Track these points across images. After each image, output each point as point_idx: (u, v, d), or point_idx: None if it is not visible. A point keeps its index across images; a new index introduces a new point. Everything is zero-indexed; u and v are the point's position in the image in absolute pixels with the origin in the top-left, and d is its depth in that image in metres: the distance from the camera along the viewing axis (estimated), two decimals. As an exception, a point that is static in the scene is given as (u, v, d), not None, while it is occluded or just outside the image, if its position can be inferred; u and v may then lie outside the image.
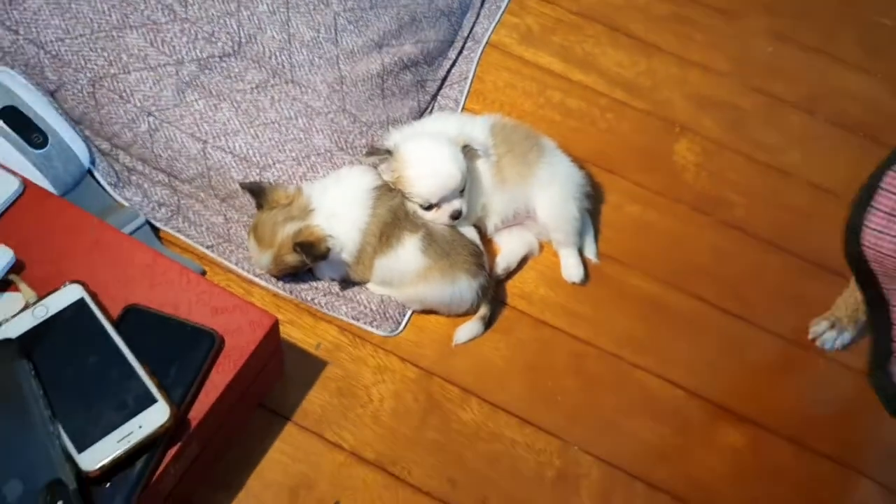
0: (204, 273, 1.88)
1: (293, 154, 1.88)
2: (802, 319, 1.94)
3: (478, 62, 2.27)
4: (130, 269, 1.56)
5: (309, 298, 1.86)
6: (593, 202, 2.02)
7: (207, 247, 1.90)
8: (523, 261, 1.97)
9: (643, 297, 1.95)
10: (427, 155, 1.77)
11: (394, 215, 1.78)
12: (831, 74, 2.37)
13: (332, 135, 1.92)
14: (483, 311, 1.86)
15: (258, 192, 1.78)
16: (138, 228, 1.86)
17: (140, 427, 1.31)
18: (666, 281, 1.98)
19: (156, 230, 1.91)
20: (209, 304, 1.56)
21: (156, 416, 1.33)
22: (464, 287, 1.81)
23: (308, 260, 1.73)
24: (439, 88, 2.21)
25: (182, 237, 1.91)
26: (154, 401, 1.35)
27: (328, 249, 1.74)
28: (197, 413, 1.43)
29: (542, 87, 2.26)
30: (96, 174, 1.88)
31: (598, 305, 1.93)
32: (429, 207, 1.78)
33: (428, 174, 1.75)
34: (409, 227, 1.79)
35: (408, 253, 1.79)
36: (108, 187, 1.89)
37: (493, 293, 1.86)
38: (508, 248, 1.97)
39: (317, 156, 1.90)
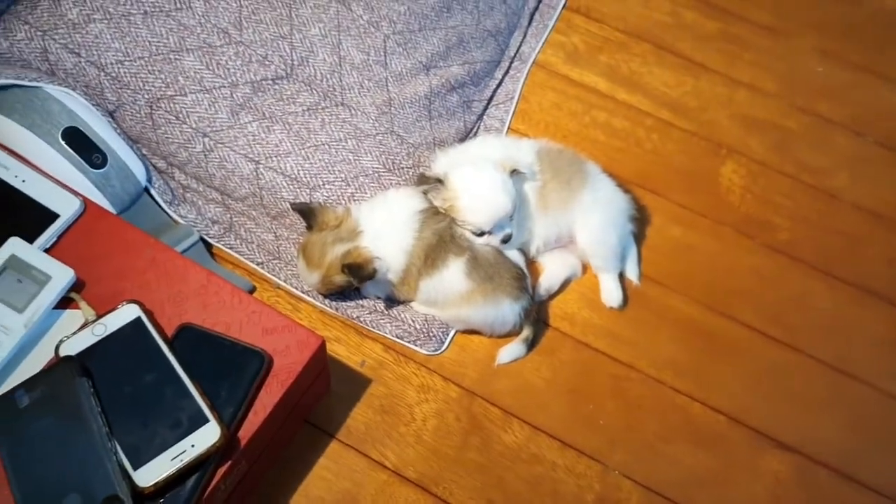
0: (254, 289, 1.93)
1: (342, 175, 1.92)
2: (849, 347, 1.93)
3: (524, 82, 2.29)
4: (185, 287, 1.61)
5: (354, 316, 1.90)
6: (636, 224, 2.03)
7: (258, 263, 1.95)
8: (566, 283, 1.98)
9: (685, 321, 1.96)
10: (479, 184, 1.79)
11: (439, 238, 1.81)
12: (881, 95, 2.35)
13: (381, 156, 1.96)
14: (526, 332, 1.88)
15: (308, 214, 1.82)
16: (192, 245, 1.91)
17: (193, 446, 1.34)
18: (708, 305, 1.98)
19: (208, 246, 1.96)
20: (259, 324, 1.60)
21: (208, 435, 1.36)
22: (506, 310, 1.83)
23: (355, 281, 1.77)
24: (485, 109, 2.23)
25: (234, 254, 1.96)
26: (206, 420, 1.38)
27: (375, 271, 1.78)
28: (246, 432, 1.47)
29: (587, 106, 2.27)
30: (153, 192, 1.94)
31: (640, 328, 1.94)
32: (481, 234, 1.81)
33: (480, 204, 1.78)
34: (455, 250, 1.82)
35: (452, 275, 1.81)
36: (163, 205, 1.95)
37: (536, 315, 1.89)
38: (551, 271, 1.98)
39: (365, 177, 1.94)
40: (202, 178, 1.96)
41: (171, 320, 1.55)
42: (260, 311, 1.62)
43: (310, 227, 1.83)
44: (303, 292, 1.93)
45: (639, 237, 2.04)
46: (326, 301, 1.92)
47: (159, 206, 1.94)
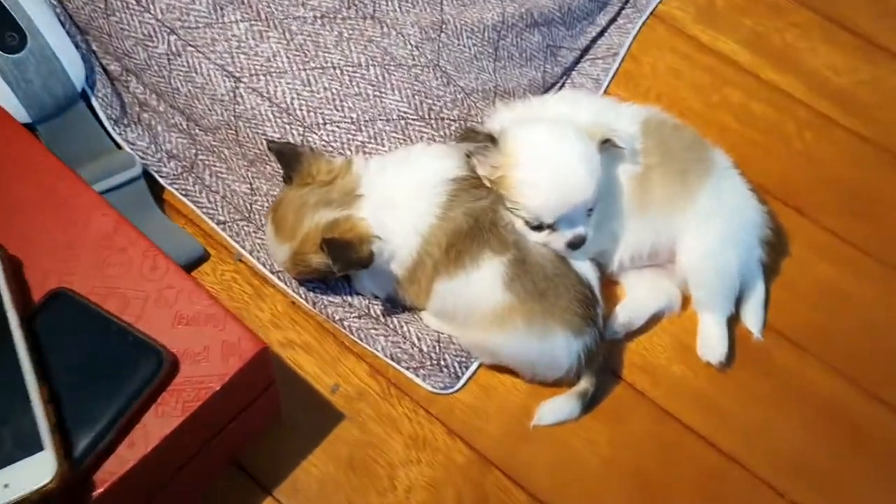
0: (204, 258, 1.36)
1: (353, 115, 1.33)
2: None
3: (635, 36, 1.67)
4: (80, 236, 1.11)
5: (337, 318, 1.31)
6: (768, 250, 1.38)
7: (219, 222, 1.38)
8: (654, 318, 1.36)
9: (824, 402, 1.33)
10: (549, 152, 1.21)
11: (474, 222, 1.21)
12: None
13: (414, 97, 1.36)
14: (584, 384, 1.26)
15: (290, 158, 1.24)
16: (129, 182, 1.36)
17: (6, 486, 0.88)
18: (860, 383, 1.35)
19: (157, 189, 1.40)
20: (173, 306, 1.07)
21: (34, 471, 0.90)
22: (559, 346, 1.22)
23: (337, 267, 1.17)
24: (576, 62, 1.62)
25: (189, 203, 1.40)
26: (39, 447, 0.91)
27: (371, 256, 1.19)
28: (110, 473, 0.96)
29: (718, 80, 1.64)
30: (94, 102, 1.39)
31: (754, 403, 1.32)
32: (539, 227, 1.21)
33: (547, 181, 1.19)
34: (494, 245, 1.21)
35: (484, 281, 1.21)
36: (106, 121, 1.40)
37: (603, 360, 1.26)
38: (636, 298, 1.37)
39: (385, 121, 1.34)
40: (163, 92, 1.40)
41: (45, 280, 1.07)
42: (180, 288, 1.10)
43: (289, 179, 1.26)
44: (272, 272, 1.35)
45: (769, 270, 1.42)
46: (302, 290, 1.33)
47: (100, 122, 1.38)
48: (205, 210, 1.39)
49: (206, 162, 1.42)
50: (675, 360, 1.34)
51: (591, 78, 1.60)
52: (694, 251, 1.31)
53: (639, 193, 1.29)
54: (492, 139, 1.23)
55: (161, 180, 1.41)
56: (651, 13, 1.71)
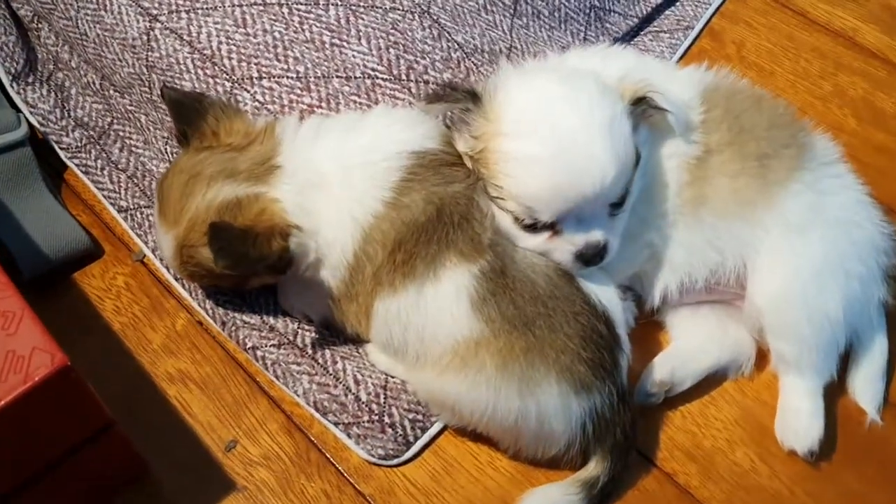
0: (93, 254, 1.01)
1: (301, 68, 0.97)
2: None
3: (718, 8, 1.25)
4: None
5: (249, 345, 0.93)
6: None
7: (120, 209, 1.04)
8: (712, 379, 0.92)
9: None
10: (552, 112, 0.81)
11: (435, 213, 0.82)
12: None
13: (388, 49, 0.99)
14: (593, 468, 0.84)
15: (189, 110, 0.88)
16: (11, 147, 1.02)
17: None
18: None
19: (61, 167, 1.07)
20: None
21: None
22: (551, 405, 0.80)
23: (221, 264, 0.80)
24: (633, 33, 1.22)
25: (88, 183, 1.05)
26: None
27: (284, 254, 0.81)
28: None
29: (831, 66, 1.21)
30: (-10, 51, 1.08)
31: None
32: (534, 227, 0.80)
33: (545, 156, 0.79)
34: (462, 247, 0.82)
35: (443, 298, 0.82)
36: (3, 76, 1.08)
37: (626, 434, 0.82)
38: (684, 347, 0.94)
39: (345, 80, 0.97)
40: (74, 41, 1.07)
41: None
42: None
43: (184, 138, 0.89)
44: (178, 279, 0.98)
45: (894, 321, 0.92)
46: (209, 303, 0.96)
47: (-6, 75, 1.07)
48: (105, 192, 1.05)
49: (121, 132, 1.08)
50: (741, 443, 0.89)
51: (652, 54, 1.19)
52: (773, 283, 0.87)
53: (694, 187, 0.87)
54: (474, 97, 0.84)
55: (60, 152, 1.08)
56: (742, -20, 1.29)
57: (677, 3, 1.26)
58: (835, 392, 0.91)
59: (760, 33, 1.24)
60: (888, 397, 0.91)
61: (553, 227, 0.82)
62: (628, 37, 1.21)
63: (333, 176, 0.85)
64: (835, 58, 1.21)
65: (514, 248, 0.83)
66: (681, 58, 1.20)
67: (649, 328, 0.95)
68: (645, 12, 1.22)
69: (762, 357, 0.93)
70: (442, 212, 0.82)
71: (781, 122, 0.90)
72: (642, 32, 1.22)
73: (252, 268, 0.82)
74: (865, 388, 0.91)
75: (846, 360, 0.91)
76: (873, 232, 0.90)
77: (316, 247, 0.84)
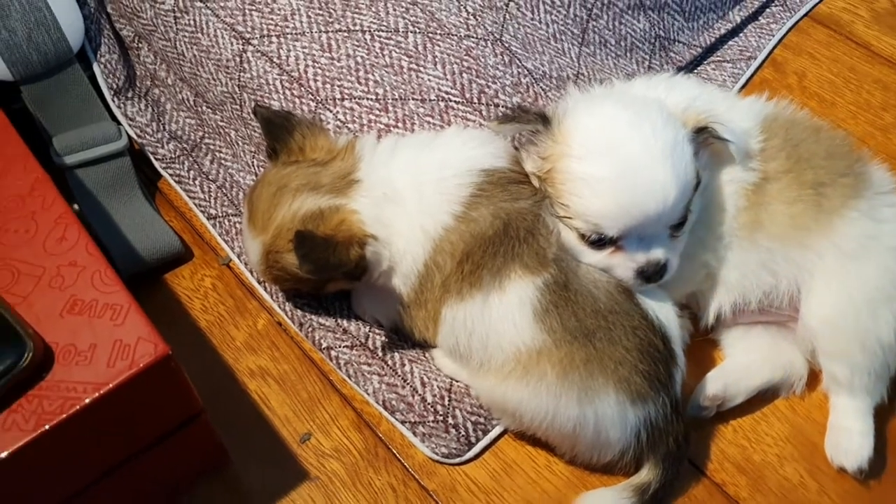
0: (183, 257, 1.09)
1: (380, 90, 1.04)
2: None
3: (780, 39, 1.29)
4: None
5: (325, 345, 0.99)
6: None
7: (210, 216, 1.11)
8: (764, 396, 0.96)
9: None
10: (618, 136, 0.86)
11: (502, 228, 0.87)
12: None
13: (462, 74, 1.05)
14: (645, 475, 0.88)
15: (277, 127, 0.96)
16: (112, 157, 1.11)
17: None
18: None
19: (155, 176, 1.16)
20: (69, 288, 0.84)
21: None
22: (608, 413, 0.85)
23: (305, 269, 0.86)
24: (697, 62, 1.26)
25: (181, 191, 1.14)
26: None
27: (361, 261, 0.87)
28: None
29: (894, 97, 1.25)
30: (95, 67, 1.17)
31: (909, 540, 0.87)
32: (599, 243, 0.86)
33: (611, 176, 0.85)
34: (527, 260, 0.87)
35: (507, 308, 0.87)
36: (106, 90, 1.17)
37: (678, 444, 0.86)
38: (737, 364, 0.98)
39: (420, 101, 1.04)
40: (171, 60, 1.16)
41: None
42: (84, 267, 0.86)
43: (273, 153, 0.97)
44: (260, 282, 1.05)
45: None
46: (289, 306, 1.03)
47: (99, 91, 1.16)
48: (196, 201, 1.13)
49: (212, 146, 1.16)
50: (791, 459, 0.93)
51: (714, 83, 1.23)
52: (826, 306, 0.91)
53: (751, 212, 0.91)
54: (544, 120, 0.89)
55: (155, 163, 1.16)
56: (807, 14, 1.32)
57: (741, 34, 1.29)
58: (886, 414, 0.94)
59: (822, 64, 1.27)
60: (938, 421, 0.94)
61: (616, 244, 0.87)
62: (691, 66, 1.25)
63: (407, 190, 0.91)
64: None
65: (578, 264, 0.88)
66: (742, 87, 1.24)
67: (704, 345, 0.99)
68: (709, 42, 1.26)
69: (814, 377, 0.96)
70: (508, 226, 0.88)
71: (839, 152, 0.94)
72: (705, 62, 1.26)
73: (331, 273, 0.89)
74: (917, 410, 0.94)
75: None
76: (928, 261, 0.93)
77: (389, 256, 0.90)
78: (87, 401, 0.73)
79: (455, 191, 0.90)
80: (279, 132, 0.95)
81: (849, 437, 0.91)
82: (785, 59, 1.28)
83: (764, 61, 1.27)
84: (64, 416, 0.72)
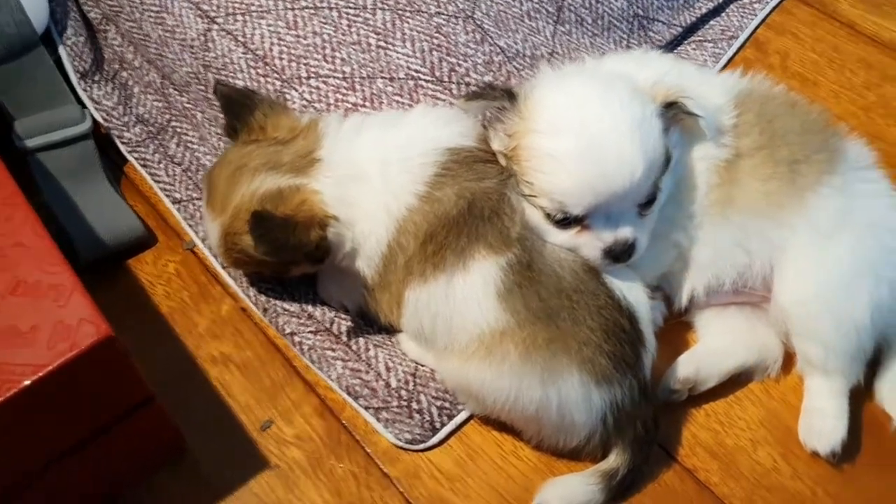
0: (147, 242, 1.06)
1: (347, 68, 1.02)
2: None
3: (764, 19, 1.26)
4: None
5: (288, 331, 0.97)
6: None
7: (175, 200, 1.09)
8: (738, 380, 0.93)
9: None
10: (583, 112, 0.83)
11: (467, 207, 0.85)
12: None
13: (431, 52, 1.03)
14: (613, 460, 0.85)
15: (239, 106, 0.93)
16: (76, 140, 1.09)
17: None
18: None
19: (121, 161, 1.13)
20: (14, 269, 0.82)
21: None
22: (572, 395, 0.82)
23: (262, 251, 0.84)
24: (677, 42, 1.23)
25: (146, 175, 1.12)
26: None
27: (322, 243, 0.85)
28: None
29: (877, 77, 1.22)
30: (61, 50, 1.14)
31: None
32: (565, 222, 0.83)
33: (575, 152, 0.82)
34: (491, 240, 0.84)
35: (471, 289, 0.84)
36: (72, 74, 1.15)
37: (647, 428, 0.84)
38: (709, 346, 0.96)
39: (389, 80, 1.01)
40: (137, 42, 1.14)
41: None
42: (30, 247, 0.84)
43: (233, 133, 0.94)
44: (225, 268, 1.03)
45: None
46: (252, 291, 1.00)
47: (65, 74, 1.14)
48: (161, 185, 1.10)
49: (178, 129, 1.14)
50: (765, 443, 0.90)
51: (695, 63, 1.20)
52: (799, 285, 0.88)
53: (723, 189, 0.89)
54: (510, 96, 0.87)
55: (121, 147, 1.14)
56: (792, -7, 1.30)
57: (723, 14, 1.27)
58: (862, 396, 0.91)
59: (806, 44, 1.24)
60: (916, 405, 0.91)
61: (582, 223, 0.84)
62: (672, 45, 1.22)
63: (371, 170, 0.88)
64: (881, 69, 1.21)
65: (543, 243, 0.85)
66: (724, 67, 1.21)
67: (677, 328, 0.96)
68: (689, 21, 1.23)
69: (789, 360, 0.93)
70: (473, 206, 0.85)
71: (814, 127, 0.91)
72: (686, 41, 1.24)
73: (291, 255, 0.87)
74: (892, 393, 0.90)
75: (874, 365, 0.91)
76: (904, 238, 0.90)
77: (352, 237, 0.88)
78: (25, 383, 0.70)
79: (419, 170, 0.87)
80: (240, 110, 0.93)
81: (822, 420, 0.88)
82: (767, 39, 1.25)
83: (746, 41, 1.25)
84: (1, 399, 0.70)
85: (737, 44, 1.23)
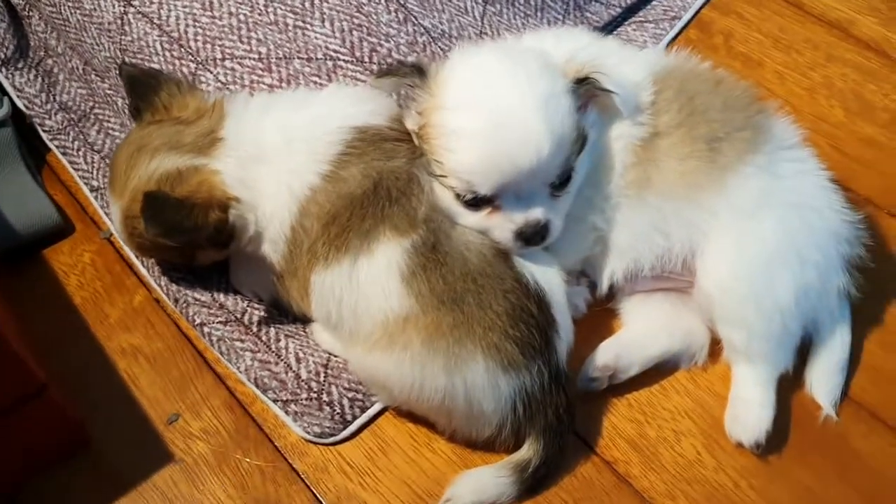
0: (63, 230, 1.03)
1: (263, 48, 0.98)
2: None
3: (709, -1, 1.23)
4: None
5: (198, 321, 0.93)
6: (862, 283, 0.87)
7: (93, 188, 1.06)
8: (662, 368, 0.89)
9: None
10: (490, 87, 0.80)
11: (372, 188, 0.81)
12: None
13: (351, 32, 0.99)
14: (525, 451, 0.82)
15: (144, 86, 0.90)
16: (-10, 128, 1.06)
17: None
18: None
19: (45, 150, 1.10)
20: None
21: None
22: (478, 383, 0.79)
23: (151, 232, 0.81)
24: (617, 22, 1.19)
25: (66, 163, 1.08)
26: None
27: (224, 225, 0.82)
28: None
29: (822, 57, 1.18)
30: (-20, 36, 1.11)
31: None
32: (475, 202, 0.79)
33: (482, 129, 0.78)
34: (397, 221, 0.81)
35: (376, 271, 0.81)
36: (-9, 61, 1.12)
37: (562, 419, 0.80)
38: (632, 332, 0.92)
39: (307, 60, 0.98)
40: (59, 27, 1.10)
41: None
42: None
43: (136, 113, 0.91)
44: (139, 257, 1.00)
45: (860, 311, 0.90)
46: (164, 280, 0.97)
47: (-16, 61, 1.11)
48: (80, 172, 1.07)
49: (101, 116, 1.11)
50: (688, 434, 0.86)
51: (635, 45, 1.17)
52: (721, 268, 0.84)
53: (639, 169, 0.85)
54: (420, 72, 0.83)
55: (43, 134, 1.11)
56: (736, -29, 1.26)
57: (667, -9, 1.24)
58: (791, 386, 0.87)
59: (751, 24, 1.20)
60: (847, 392, 0.87)
61: (493, 204, 0.80)
62: (610, 26, 1.19)
63: (275, 149, 0.85)
64: (827, 49, 1.17)
65: (451, 225, 0.82)
66: (669, 43, 1.18)
67: (603, 316, 0.92)
68: (630, 2, 1.20)
69: (718, 349, 0.89)
70: (379, 186, 0.82)
71: (738, 104, 0.87)
72: (626, 22, 1.20)
73: (187, 237, 0.83)
74: (822, 381, 0.87)
75: (805, 353, 0.88)
76: (833, 219, 0.86)
77: (255, 220, 0.84)
78: None
79: (324, 149, 0.84)
80: (144, 91, 0.90)
81: (747, 409, 0.84)
82: (712, 20, 1.22)
83: (690, 21, 1.21)
84: None
85: (679, 24, 1.20)
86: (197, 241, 0.84)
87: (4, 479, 0.84)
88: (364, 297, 0.81)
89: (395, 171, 0.83)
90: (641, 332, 0.89)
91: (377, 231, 0.81)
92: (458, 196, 0.81)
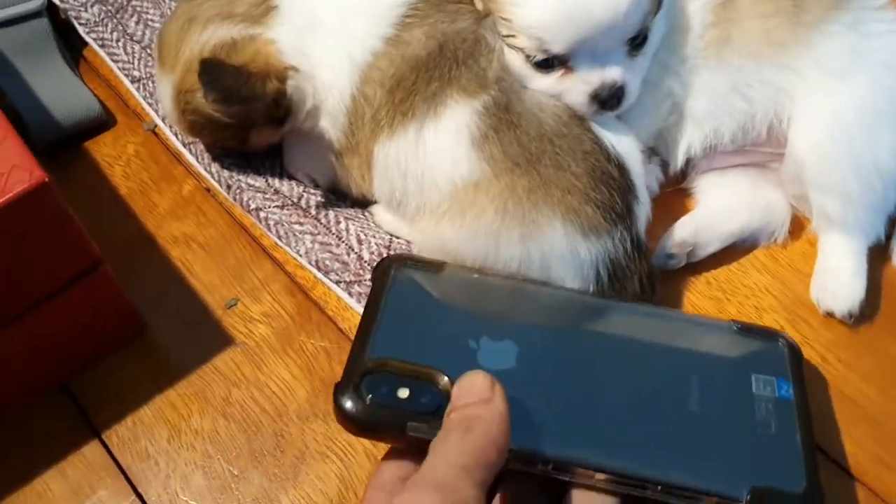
0: (105, 122, 0.99)
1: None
2: None
3: None
4: None
5: (253, 206, 0.90)
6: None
7: (134, 79, 1.02)
8: (741, 246, 0.86)
9: None
10: None
11: (437, 50, 0.77)
12: None
13: None
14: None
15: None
16: (26, 19, 1.01)
17: None
18: None
19: (81, 45, 1.06)
20: None
21: None
22: (559, 250, 0.75)
23: (211, 98, 0.77)
24: None
25: (104, 55, 1.04)
26: None
27: (282, 97, 0.78)
28: None
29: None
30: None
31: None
32: (547, 63, 0.75)
33: None
34: (465, 83, 0.76)
35: (444, 137, 0.77)
36: (24, -47, 1.07)
37: (646, 290, 0.76)
38: (709, 208, 0.87)
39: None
40: None
41: None
42: None
43: (186, -17, 0.86)
44: (185, 146, 0.96)
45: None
46: (215, 167, 0.93)
47: (17, -47, 1.06)
48: (120, 64, 1.03)
49: (138, 7, 1.06)
50: (770, 310, 0.83)
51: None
52: (815, 131, 0.80)
53: (719, 28, 0.80)
54: (485, -74, 0.79)
55: (79, 28, 1.06)
56: None
57: None
58: (879, 257, 0.83)
59: None
60: (942, 263, 0.84)
61: (566, 65, 0.76)
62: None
63: (332, 15, 0.81)
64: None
65: (523, 87, 0.78)
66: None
67: (675, 196, 0.88)
68: None
69: (798, 225, 0.86)
70: (445, 47, 0.77)
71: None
72: None
73: (244, 105, 0.79)
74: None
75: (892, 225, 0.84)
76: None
77: (314, 91, 0.80)
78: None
79: (386, 12, 0.79)
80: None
81: (838, 279, 0.80)
82: None
83: None
84: None
85: None
86: (254, 114, 0.80)
87: (62, 365, 0.80)
88: (430, 166, 0.77)
89: (461, 33, 0.78)
90: (719, 208, 0.85)
91: (444, 94, 0.77)
92: (527, 58, 0.77)
